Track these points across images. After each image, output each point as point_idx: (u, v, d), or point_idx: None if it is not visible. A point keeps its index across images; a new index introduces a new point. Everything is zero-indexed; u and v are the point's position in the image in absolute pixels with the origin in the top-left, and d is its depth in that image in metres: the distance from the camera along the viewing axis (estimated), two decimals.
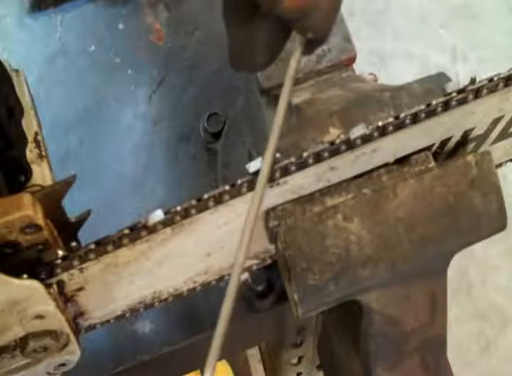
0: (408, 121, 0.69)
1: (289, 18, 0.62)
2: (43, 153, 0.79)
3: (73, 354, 0.70)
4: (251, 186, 0.68)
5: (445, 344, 0.84)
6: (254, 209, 0.61)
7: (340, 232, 0.71)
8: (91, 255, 0.66)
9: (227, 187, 0.67)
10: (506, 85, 0.71)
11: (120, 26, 1.06)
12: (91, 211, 0.70)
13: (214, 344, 0.58)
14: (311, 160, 0.68)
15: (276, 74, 0.86)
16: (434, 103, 0.69)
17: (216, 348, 0.58)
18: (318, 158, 0.68)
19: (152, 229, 0.66)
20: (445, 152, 0.77)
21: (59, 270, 0.66)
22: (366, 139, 0.69)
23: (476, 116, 0.73)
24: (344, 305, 0.76)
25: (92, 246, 0.66)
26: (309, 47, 0.66)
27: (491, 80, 0.71)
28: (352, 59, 0.88)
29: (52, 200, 0.67)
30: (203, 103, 1.01)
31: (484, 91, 0.71)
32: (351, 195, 0.73)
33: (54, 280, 0.66)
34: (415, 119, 0.70)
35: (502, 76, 0.71)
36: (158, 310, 0.79)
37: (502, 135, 0.80)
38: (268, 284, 0.87)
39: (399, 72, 2.11)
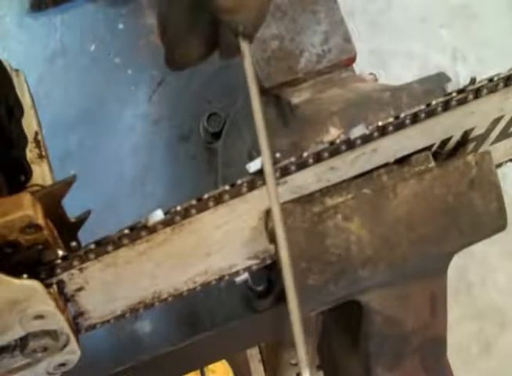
0: (408, 121, 0.69)
1: (221, 11, 0.65)
2: (43, 153, 0.79)
3: (73, 354, 0.70)
4: (251, 186, 0.68)
5: (445, 344, 0.84)
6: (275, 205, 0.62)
7: (340, 232, 0.71)
8: (91, 255, 0.66)
9: (227, 187, 0.67)
10: (506, 85, 0.71)
11: (120, 26, 1.06)
12: (91, 211, 0.70)
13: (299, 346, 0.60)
14: (311, 160, 0.68)
15: (276, 74, 0.86)
16: (434, 103, 0.69)
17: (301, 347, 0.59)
18: (318, 158, 0.68)
19: (152, 229, 0.66)
20: (445, 152, 0.77)
21: (59, 270, 0.66)
22: (366, 139, 0.69)
23: (476, 116, 0.73)
24: (344, 305, 0.76)
25: (92, 246, 0.66)
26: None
27: (491, 80, 0.71)
28: (352, 59, 0.88)
29: (52, 200, 0.67)
30: (203, 103, 1.01)
31: (484, 91, 0.71)
32: (351, 195, 0.73)
33: (54, 280, 0.66)
34: (415, 119, 0.70)
35: (502, 76, 0.71)
36: (158, 310, 0.79)
37: (503, 135, 0.80)
38: (268, 284, 0.87)
39: (399, 72, 2.11)
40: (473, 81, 0.70)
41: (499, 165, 0.84)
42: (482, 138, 0.78)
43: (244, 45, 0.67)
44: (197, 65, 0.72)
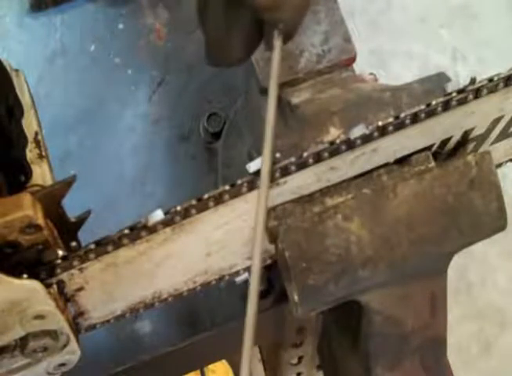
0: (408, 121, 0.69)
1: (261, 9, 0.64)
2: (43, 153, 0.79)
3: (73, 354, 0.70)
4: (251, 186, 0.68)
5: (445, 344, 0.84)
6: (262, 207, 0.62)
7: (340, 232, 0.71)
8: (91, 255, 0.66)
9: (227, 187, 0.67)
10: (506, 85, 0.71)
11: (120, 26, 1.06)
12: (91, 211, 0.70)
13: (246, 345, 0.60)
14: (311, 160, 0.68)
15: None
16: (434, 103, 0.69)
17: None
18: (318, 158, 0.68)
19: (152, 229, 0.66)
20: (445, 152, 0.77)
21: (59, 270, 0.66)
22: (366, 139, 0.69)
23: (476, 116, 0.73)
24: (344, 305, 0.76)
25: (92, 246, 0.66)
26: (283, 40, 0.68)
27: (491, 80, 0.71)
28: (352, 59, 0.88)
29: (52, 200, 0.67)
30: (203, 103, 1.01)
31: (484, 91, 0.71)
32: (351, 195, 0.73)
33: (54, 280, 0.66)
34: (415, 119, 0.70)
35: (502, 76, 0.71)
36: (158, 310, 0.79)
37: (503, 135, 0.80)
38: (268, 284, 0.87)
39: (399, 72, 2.11)
40: (473, 81, 0.70)
41: (499, 165, 0.84)
42: (482, 138, 0.78)
43: (277, 42, 0.67)
44: (240, 64, 0.71)
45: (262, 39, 0.69)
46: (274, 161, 0.67)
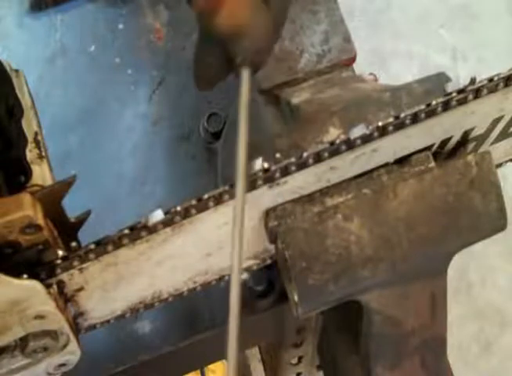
0: (408, 121, 0.69)
1: (222, 36, 0.66)
2: (43, 153, 0.79)
3: (73, 354, 0.70)
4: (251, 186, 0.68)
5: (445, 344, 0.85)
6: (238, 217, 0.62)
7: (340, 232, 0.71)
8: (91, 255, 0.66)
9: (227, 187, 0.67)
10: (506, 85, 0.71)
11: (120, 26, 1.06)
12: (91, 211, 0.70)
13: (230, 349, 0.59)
14: (311, 160, 0.68)
15: (276, 74, 0.86)
16: (434, 103, 0.69)
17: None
18: (318, 158, 0.68)
19: (152, 229, 0.66)
20: (445, 152, 0.77)
21: (59, 270, 0.66)
22: (366, 139, 0.69)
23: (476, 116, 0.74)
24: (344, 305, 0.76)
25: (92, 246, 0.66)
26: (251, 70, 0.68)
27: (491, 80, 0.71)
28: (352, 59, 0.88)
29: (52, 200, 0.67)
30: (203, 103, 1.01)
31: (485, 91, 0.71)
32: (351, 195, 0.73)
33: (54, 280, 0.66)
34: (415, 119, 0.70)
35: (502, 76, 0.71)
36: (158, 310, 0.79)
37: (503, 135, 0.80)
38: (268, 284, 0.87)
39: (399, 72, 2.11)
40: (473, 81, 0.70)
41: (499, 165, 0.84)
42: (482, 138, 0.78)
43: (244, 74, 0.66)
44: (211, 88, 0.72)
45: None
46: (274, 161, 0.67)
